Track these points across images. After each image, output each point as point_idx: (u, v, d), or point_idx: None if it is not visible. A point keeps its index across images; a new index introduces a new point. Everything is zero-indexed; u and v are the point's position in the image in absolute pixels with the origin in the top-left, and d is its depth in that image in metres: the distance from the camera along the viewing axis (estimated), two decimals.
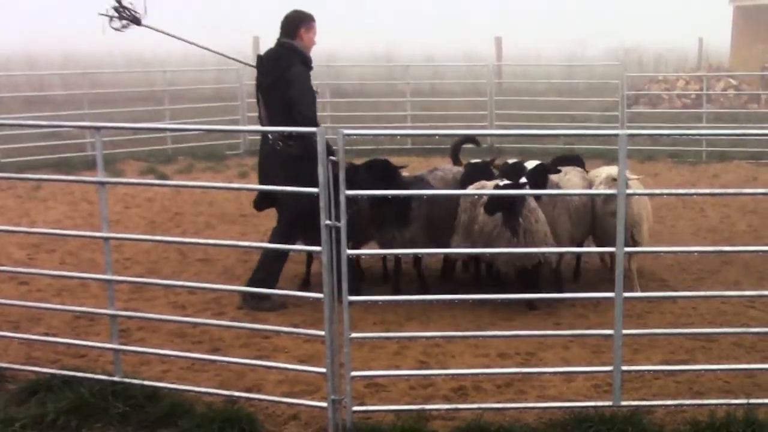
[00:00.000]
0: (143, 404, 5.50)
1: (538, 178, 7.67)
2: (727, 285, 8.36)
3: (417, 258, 8.14)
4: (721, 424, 5.17)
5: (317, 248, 5.17)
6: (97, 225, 5.82)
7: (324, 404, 5.30)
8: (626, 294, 5.41)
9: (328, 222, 5.07)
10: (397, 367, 6.30)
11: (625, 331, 5.40)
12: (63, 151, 15.31)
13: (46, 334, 6.88)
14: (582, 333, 6.80)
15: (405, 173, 8.31)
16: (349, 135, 5.12)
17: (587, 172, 8.64)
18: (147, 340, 6.88)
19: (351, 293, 5.23)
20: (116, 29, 8.37)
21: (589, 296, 7.62)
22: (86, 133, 15.01)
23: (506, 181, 7.33)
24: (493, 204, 7.17)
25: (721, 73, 23.08)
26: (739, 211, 11.54)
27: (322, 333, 5.22)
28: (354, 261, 8.12)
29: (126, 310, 7.29)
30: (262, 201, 7.99)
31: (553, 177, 7.99)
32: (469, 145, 9.99)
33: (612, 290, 5.35)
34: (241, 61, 9.37)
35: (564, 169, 8.47)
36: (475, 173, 8.14)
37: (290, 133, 7.37)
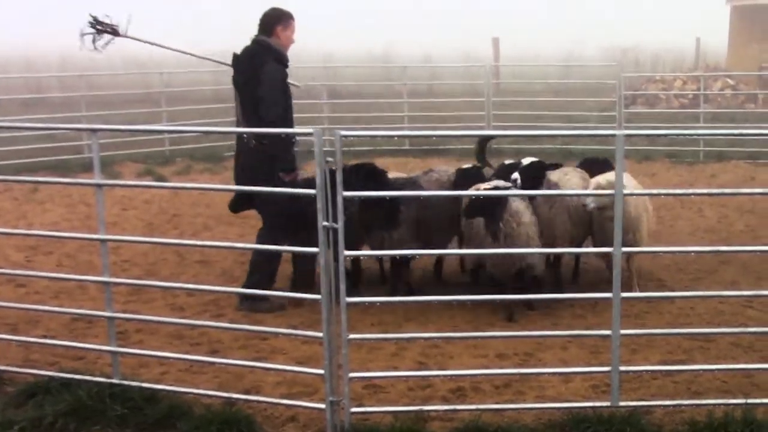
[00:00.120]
0: (141, 406, 5.50)
1: (533, 176, 7.61)
2: (725, 285, 8.36)
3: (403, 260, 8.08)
4: (719, 424, 5.17)
5: (314, 249, 5.16)
6: (95, 227, 5.81)
7: (322, 405, 5.30)
8: (624, 294, 5.41)
9: (325, 223, 5.06)
10: (396, 368, 6.31)
11: (623, 332, 5.40)
12: (60, 153, 15.29)
13: (44, 337, 6.88)
14: (580, 333, 6.80)
15: (399, 174, 8.30)
16: (346, 136, 5.11)
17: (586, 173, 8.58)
18: (145, 342, 6.87)
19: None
20: (99, 49, 8.44)
21: (587, 297, 7.62)
22: (83, 136, 14.98)
23: (495, 183, 7.30)
24: (473, 208, 7.13)
25: (718, 73, 23.11)
26: (737, 211, 11.54)
27: (320, 334, 5.22)
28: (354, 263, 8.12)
29: (124, 312, 7.28)
30: (239, 202, 7.94)
31: (552, 177, 7.96)
32: (471, 146, 9.96)
33: (610, 291, 5.34)
34: (218, 62, 9.29)
35: (564, 169, 8.45)
36: (465, 179, 8.10)
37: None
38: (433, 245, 7.82)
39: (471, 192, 7.34)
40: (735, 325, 7.26)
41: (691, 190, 11.10)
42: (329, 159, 5.04)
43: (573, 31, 39.02)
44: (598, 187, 7.36)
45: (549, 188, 7.70)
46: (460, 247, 8.20)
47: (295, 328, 6.76)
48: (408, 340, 6.81)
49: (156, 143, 16.42)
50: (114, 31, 8.39)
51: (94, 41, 8.37)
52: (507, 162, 8.40)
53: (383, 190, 7.24)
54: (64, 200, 12.51)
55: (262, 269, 7.67)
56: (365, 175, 7.37)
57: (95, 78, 21.04)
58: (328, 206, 5.06)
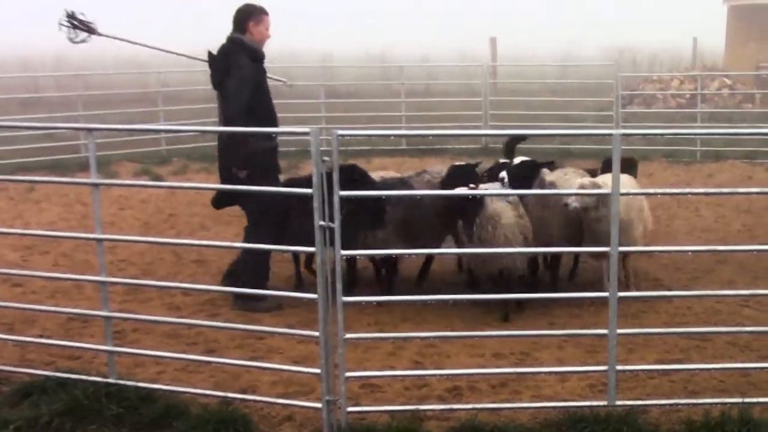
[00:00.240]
0: (137, 406, 5.48)
1: (522, 176, 7.56)
2: (722, 284, 8.36)
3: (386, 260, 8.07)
4: (716, 424, 5.16)
5: (311, 249, 5.15)
6: (91, 226, 5.80)
7: (319, 405, 5.29)
8: (621, 294, 5.40)
9: (322, 223, 5.05)
10: (392, 368, 6.30)
11: (619, 331, 5.39)
12: (57, 152, 15.28)
13: (41, 336, 6.87)
14: (577, 333, 6.80)
15: (393, 174, 8.27)
16: (343, 136, 5.10)
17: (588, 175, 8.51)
18: (141, 341, 6.85)
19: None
20: (76, 42, 8.52)
21: (583, 296, 7.62)
22: (80, 135, 14.96)
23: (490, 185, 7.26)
24: (445, 210, 7.08)
25: (715, 72, 23.11)
26: (734, 210, 11.54)
27: (317, 334, 5.21)
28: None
29: (120, 311, 7.28)
30: (221, 199, 7.94)
31: (550, 177, 7.93)
32: (472, 146, 9.94)
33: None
34: (195, 58, 9.27)
35: (565, 169, 8.41)
36: (457, 176, 8.08)
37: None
38: (421, 245, 7.74)
39: (446, 192, 7.29)
40: (732, 324, 7.26)
41: (688, 190, 11.09)
42: (326, 158, 5.01)
43: (572, 31, 39.02)
44: (582, 187, 7.28)
45: (544, 188, 7.67)
46: (457, 247, 8.17)
47: (291, 327, 6.73)
48: (404, 339, 6.80)
49: (153, 143, 16.41)
50: (90, 29, 8.46)
51: (69, 35, 8.45)
52: (501, 161, 8.37)
53: (365, 190, 7.21)
54: (61, 200, 12.49)
55: (252, 268, 7.67)
56: (348, 175, 7.28)
57: (92, 77, 21.02)
58: (325, 205, 5.04)
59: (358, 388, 5.89)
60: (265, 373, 6.07)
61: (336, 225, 5.06)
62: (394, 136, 16.65)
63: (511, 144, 9.09)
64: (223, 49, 7.64)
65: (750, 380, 6.04)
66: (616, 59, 23.55)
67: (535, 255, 8.12)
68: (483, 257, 7.34)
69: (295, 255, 8.40)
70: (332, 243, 5.10)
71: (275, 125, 7.82)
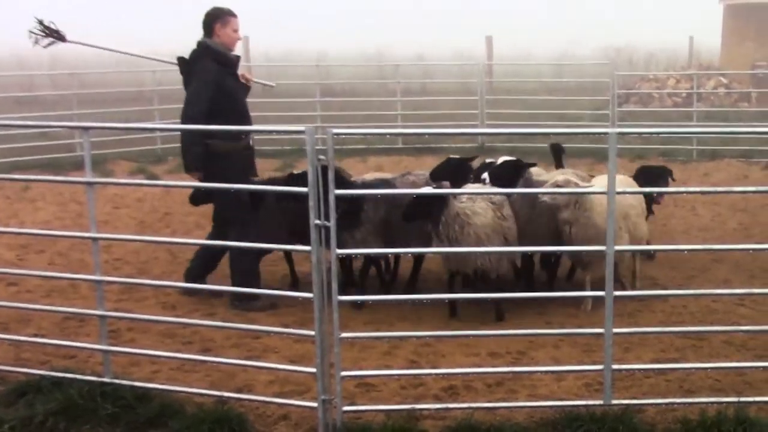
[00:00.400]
0: (133, 405, 5.47)
1: (505, 176, 7.49)
2: (718, 283, 8.37)
3: (368, 260, 8.04)
4: (712, 423, 5.15)
5: (307, 248, 5.13)
6: (87, 225, 5.76)
7: (314, 404, 5.27)
8: (617, 293, 5.39)
9: (317, 221, 5.04)
10: (388, 367, 6.28)
11: (615, 330, 5.38)
12: (52, 151, 15.24)
13: (36, 335, 6.85)
14: (573, 332, 6.79)
15: (383, 175, 8.25)
16: (338, 134, 5.10)
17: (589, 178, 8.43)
18: (137, 340, 6.84)
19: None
20: (43, 46, 8.66)
21: (579, 295, 7.59)
22: (75, 134, 14.93)
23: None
24: (409, 210, 7.02)
25: (711, 71, 23.09)
26: (730, 209, 11.55)
27: (312, 333, 5.20)
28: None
29: (116, 310, 7.25)
30: (197, 196, 7.95)
31: (543, 178, 7.89)
32: (468, 145, 9.92)
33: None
34: (166, 61, 9.24)
35: (563, 170, 8.37)
36: (447, 170, 8.01)
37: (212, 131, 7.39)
38: (402, 246, 7.68)
39: (408, 190, 7.29)
40: (727, 323, 7.26)
41: (684, 189, 11.09)
42: (321, 157, 5.00)
43: (572, 31, 39.03)
44: (556, 185, 7.20)
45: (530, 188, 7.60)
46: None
47: (287, 326, 6.75)
48: (400, 338, 6.79)
49: (148, 141, 16.37)
50: (60, 37, 8.57)
51: (37, 41, 8.57)
52: (487, 161, 8.33)
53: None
54: (56, 198, 12.47)
55: (241, 268, 7.69)
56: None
57: (87, 76, 20.98)
58: (320, 204, 5.03)
59: (354, 388, 5.88)
60: (260, 372, 6.06)
61: (332, 224, 5.04)
62: (390, 134, 16.60)
63: (557, 152, 9.02)
64: (191, 54, 7.67)
65: (746, 379, 6.03)
66: (613, 58, 23.56)
67: (530, 254, 8.07)
68: (451, 257, 7.30)
69: (288, 254, 8.39)
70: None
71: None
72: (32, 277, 8.14)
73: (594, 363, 5.92)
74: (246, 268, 7.69)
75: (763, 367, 6.04)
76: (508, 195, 7.47)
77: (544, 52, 31.79)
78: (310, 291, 5.17)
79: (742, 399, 5.39)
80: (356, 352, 6.51)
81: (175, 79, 8.56)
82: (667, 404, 5.48)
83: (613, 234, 5.29)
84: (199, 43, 7.66)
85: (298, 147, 14.57)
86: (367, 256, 7.92)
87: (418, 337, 6.71)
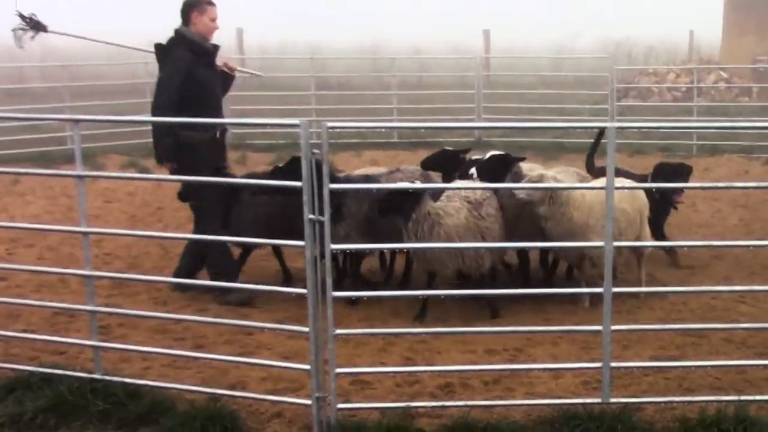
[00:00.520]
0: (124, 402, 5.43)
1: (492, 171, 7.38)
2: (718, 280, 8.33)
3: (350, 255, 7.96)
4: (711, 422, 5.12)
5: (300, 243, 5.07)
6: (77, 220, 5.73)
7: (308, 402, 5.23)
8: (615, 289, 5.34)
9: (311, 216, 4.99)
10: (383, 364, 6.25)
11: (614, 327, 5.33)
12: (43, 144, 15.08)
13: (25, 331, 6.78)
14: (571, 329, 6.73)
15: (376, 170, 8.18)
16: (333, 128, 5.05)
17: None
18: (128, 336, 6.78)
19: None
20: (30, 38, 8.72)
21: (578, 291, 7.53)
22: (66, 126, 14.83)
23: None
24: (383, 205, 6.94)
25: (712, 65, 23.03)
26: (731, 205, 11.50)
27: (306, 329, 5.15)
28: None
29: (106, 306, 7.16)
30: (187, 193, 7.93)
31: (535, 172, 7.78)
32: (465, 139, 9.83)
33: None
34: (146, 51, 9.19)
35: (557, 169, 8.30)
36: (440, 161, 7.96)
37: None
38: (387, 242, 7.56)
39: (387, 185, 7.20)
40: (728, 320, 7.21)
41: (683, 184, 10.99)
42: (315, 151, 4.95)
43: (565, 22, 38.93)
44: (530, 180, 7.11)
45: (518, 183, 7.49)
46: None
47: (280, 322, 6.70)
48: (395, 335, 6.75)
49: (140, 135, 16.18)
50: (41, 26, 8.62)
51: (21, 38, 8.66)
52: (474, 157, 8.23)
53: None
54: (46, 192, 12.38)
55: (216, 262, 7.71)
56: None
57: (79, 68, 20.85)
58: (314, 198, 4.99)
59: (349, 385, 5.82)
60: (253, 369, 6.00)
61: (326, 218, 4.99)
62: (386, 128, 16.50)
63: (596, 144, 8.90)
64: (167, 42, 7.64)
65: (746, 377, 5.99)
66: (612, 52, 23.49)
67: (526, 251, 8.00)
68: (421, 257, 7.23)
69: (277, 249, 8.31)
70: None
71: (216, 118, 7.74)
72: (21, 272, 8.07)
73: (592, 360, 5.90)
74: (220, 263, 7.70)
75: (764, 365, 6.01)
76: (495, 190, 7.37)
77: (540, 44, 31.65)
78: (303, 287, 5.11)
79: (743, 397, 5.35)
80: (351, 348, 6.46)
81: None
82: (666, 402, 5.44)
83: (611, 229, 5.21)
84: (176, 31, 7.64)
85: (293, 141, 14.49)
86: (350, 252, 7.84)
87: (413, 334, 6.66)
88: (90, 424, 5.30)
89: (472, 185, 7.28)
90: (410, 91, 20.29)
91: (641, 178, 8.49)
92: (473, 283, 7.21)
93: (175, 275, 7.98)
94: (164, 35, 7.72)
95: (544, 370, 6.00)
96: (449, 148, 8.34)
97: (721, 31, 26.63)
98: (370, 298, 7.44)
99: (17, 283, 8.13)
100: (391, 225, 7.23)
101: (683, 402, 5.42)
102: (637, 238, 7.74)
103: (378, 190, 7.14)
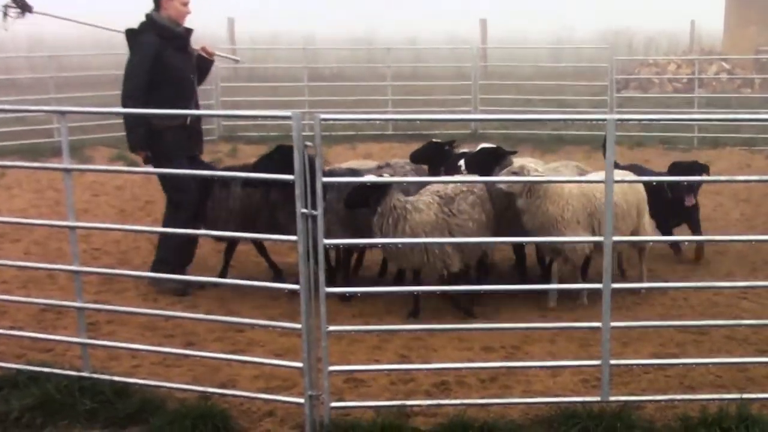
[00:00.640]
0: (112, 400, 5.40)
1: (481, 164, 7.30)
2: (720, 276, 8.27)
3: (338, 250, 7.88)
4: (713, 420, 5.08)
5: (293, 237, 5.01)
6: (64, 214, 5.70)
7: (301, 400, 5.19)
8: (614, 285, 5.29)
9: (304, 210, 4.93)
10: (377, 362, 6.22)
11: (613, 324, 5.28)
12: (29, 137, 15.02)
13: (11, 328, 6.72)
14: (569, 326, 6.67)
15: (366, 163, 8.09)
16: (326, 120, 5.00)
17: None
18: (116, 333, 6.73)
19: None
20: (6, 29, 8.80)
21: (576, 287, 7.47)
22: (53, 119, 14.78)
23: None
24: (350, 198, 6.86)
25: (713, 56, 22.93)
26: (732, 199, 11.45)
27: (299, 326, 5.10)
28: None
29: (95, 302, 7.13)
30: (163, 181, 7.97)
31: (542, 169, 7.68)
32: (461, 131, 9.72)
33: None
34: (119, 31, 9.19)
35: (557, 163, 8.22)
36: (427, 153, 7.90)
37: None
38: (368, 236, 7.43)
39: (354, 179, 7.15)
40: (729, 317, 7.15)
41: (683, 177, 10.88)
42: (308, 143, 4.90)
43: (564, 12, 38.88)
44: (511, 171, 7.03)
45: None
46: None
47: (272, 319, 6.60)
48: (390, 332, 6.69)
49: None
50: (27, 6, 8.63)
51: (6, 14, 8.69)
52: (464, 150, 8.13)
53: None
54: (33, 186, 12.31)
55: (164, 252, 7.77)
56: (282, 157, 6.68)
57: (67, 59, 20.70)
58: (307, 192, 4.92)
59: (342, 383, 5.79)
60: (245, 366, 5.97)
61: (319, 213, 4.94)
62: (380, 120, 16.41)
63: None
64: (138, 26, 7.61)
65: (748, 375, 5.95)
66: (612, 42, 23.35)
67: (521, 247, 7.95)
68: (390, 252, 7.12)
69: (259, 244, 8.18)
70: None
71: (187, 106, 7.72)
72: (8, 268, 8.01)
73: (591, 358, 5.88)
74: (164, 251, 7.75)
75: (766, 363, 5.98)
76: (486, 184, 7.28)
77: (539, 35, 31.55)
78: (295, 282, 5.08)
79: (744, 395, 5.32)
80: (344, 346, 6.41)
81: None
82: (666, 401, 5.41)
83: (611, 224, 5.14)
84: (147, 16, 7.62)
85: (285, 133, 14.37)
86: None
87: (408, 331, 6.63)
88: (78, 423, 5.26)
89: (441, 179, 7.22)
90: (405, 82, 20.17)
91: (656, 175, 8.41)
92: (443, 281, 7.09)
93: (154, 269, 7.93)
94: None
95: (542, 367, 5.96)
96: (437, 140, 8.24)
97: (723, 21, 26.48)
98: (364, 294, 7.38)
99: (3, 279, 8.09)
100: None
101: (684, 400, 5.38)
102: (635, 233, 7.64)
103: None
